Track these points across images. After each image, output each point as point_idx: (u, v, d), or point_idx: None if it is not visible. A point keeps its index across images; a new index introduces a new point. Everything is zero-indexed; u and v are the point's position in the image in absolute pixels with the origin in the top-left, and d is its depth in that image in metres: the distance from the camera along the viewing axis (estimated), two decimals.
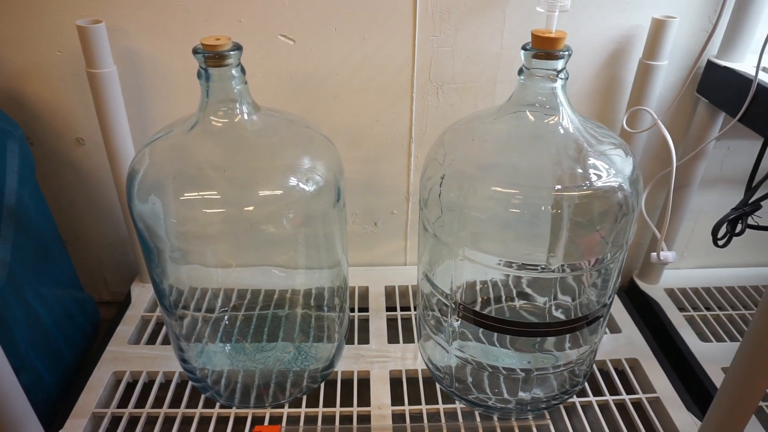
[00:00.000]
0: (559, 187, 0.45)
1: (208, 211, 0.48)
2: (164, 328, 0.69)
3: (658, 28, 0.62)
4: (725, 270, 0.83)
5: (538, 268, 0.48)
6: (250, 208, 0.48)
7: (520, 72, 0.47)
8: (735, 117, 0.60)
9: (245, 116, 0.49)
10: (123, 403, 0.59)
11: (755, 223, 0.57)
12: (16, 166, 0.59)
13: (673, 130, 0.71)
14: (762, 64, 0.58)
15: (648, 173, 0.73)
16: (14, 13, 0.61)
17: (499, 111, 0.50)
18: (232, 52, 0.45)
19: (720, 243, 0.58)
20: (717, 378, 0.64)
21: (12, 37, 0.62)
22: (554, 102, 0.47)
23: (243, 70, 0.48)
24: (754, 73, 0.58)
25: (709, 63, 0.65)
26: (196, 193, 0.48)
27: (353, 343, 0.67)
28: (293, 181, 0.49)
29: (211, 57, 0.45)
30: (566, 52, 0.45)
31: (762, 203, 0.56)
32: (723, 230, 0.58)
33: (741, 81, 0.60)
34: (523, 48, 0.46)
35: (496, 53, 0.65)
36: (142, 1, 0.61)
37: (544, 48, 0.45)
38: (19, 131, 0.61)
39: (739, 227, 0.57)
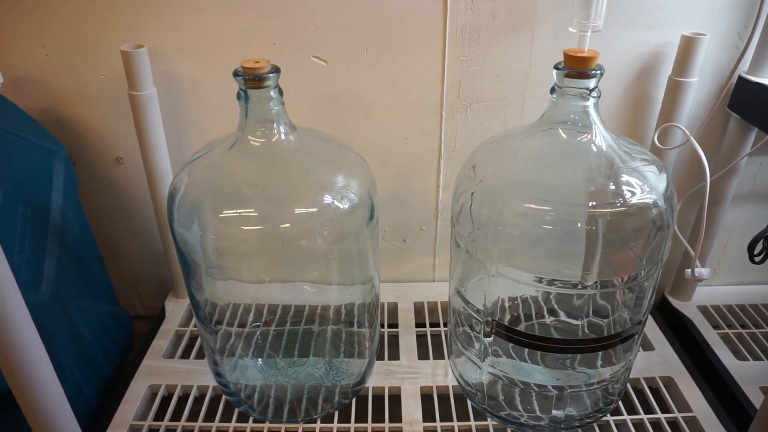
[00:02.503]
0: (593, 203, 0.45)
1: (245, 228, 0.50)
2: (198, 343, 0.70)
3: (688, 45, 0.62)
4: (759, 287, 0.82)
5: (571, 284, 0.48)
6: (286, 225, 0.49)
7: (552, 90, 0.48)
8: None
9: (282, 136, 0.50)
10: (159, 416, 0.61)
11: None
12: (61, 185, 0.62)
13: (704, 146, 0.70)
14: None
15: (679, 189, 0.72)
16: (61, 40, 0.64)
17: (532, 129, 0.51)
18: (270, 75, 0.47)
19: (757, 260, 0.57)
20: (755, 397, 0.62)
21: (58, 62, 0.65)
22: (586, 120, 0.48)
23: (280, 92, 0.49)
24: None
25: (741, 79, 0.65)
26: (235, 211, 0.50)
27: (383, 359, 0.67)
28: (328, 198, 0.50)
29: (251, 79, 0.47)
30: (598, 71, 0.46)
31: None
32: (759, 246, 0.57)
33: None
34: (556, 67, 0.46)
35: (525, 72, 0.66)
36: (179, 25, 0.63)
37: (577, 67, 0.45)
38: (64, 151, 0.64)
39: None
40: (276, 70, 0.48)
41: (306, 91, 0.67)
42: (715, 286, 0.82)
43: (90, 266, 0.69)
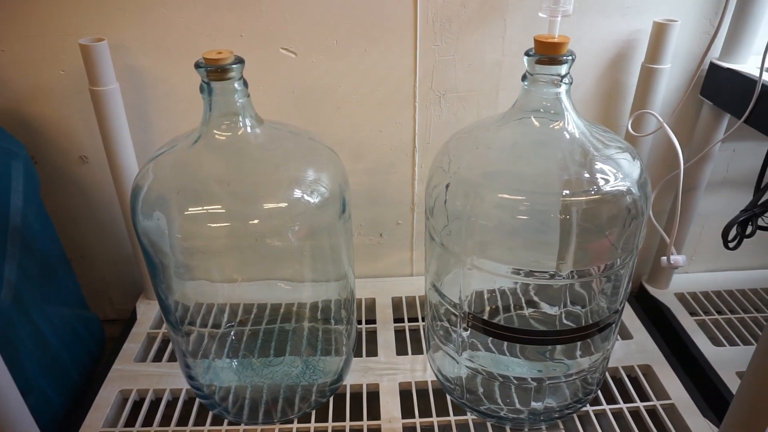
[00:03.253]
0: (567, 192, 0.45)
1: (212, 225, 0.48)
2: (170, 345, 0.68)
3: (660, 32, 0.62)
4: (735, 273, 0.83)
5: (548, 275, 0.47)
6: (255, 222, 0.48)
7: (524, 78, 0.47)
8: (740, 118, 0.60)
9: (248, 129, 0.49)
10: (130, 421, 0.59)
11: (765, 224, 0.56)
12: (21, 186, 0.59)
13: (677, 133, 0.70)
14: (766, 65, 0.58)
15: (654, 177, 0.72)
16: (17, 34, 0.61)
17: (504, 118, 0.50)
18: (234, 66, 0.45)
19: (731, 245, 0.57)
20: (732, 382, 0.63)
21: (15, 58, 0.63)
22: (559, 107, 0.47)
23: (245, 84, 0.47)
24: (758, 74, 0.57)
25: (712, 65, 0.65)
26: (201, 208, 0.48)
27: (361, 356, 0.66)
28: (298, 193, 0.49)
29: (214, 71, 0.45)
30: (570, 57, 0.45)
31: None
32: (733, 232, 0.57)
33: (745, 82, 0.60)
34: (527, 54, 0.45)
35: (498, 61, 0.65)
36: (143, 18, 0.61)
37: (548, 53, 0.44)
38: (24, 151, 0.61)
39: (749, 229, 0.56)
40: (240, 60, 0.46)
41: (275, 84, 0.65)
42: (691, 273, 0.83)
43: (55, 269, 0.66)
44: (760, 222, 0.56)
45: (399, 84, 0.66)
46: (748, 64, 0.63)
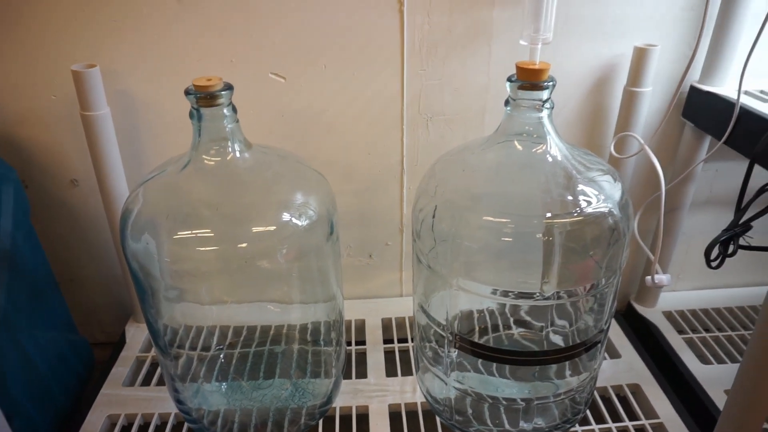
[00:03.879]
0: (550, 214, 0.46)
1: (201, 249, 0.48)
2: (159, 369, 0.68)
3: (640, 56, 0.63)
4: (723, 291, 0.83)
5: (532, 295, 0.48)
6: (244, 245, 0.48)
7: (507, 103, 0.48)
8: (720, 140, 0.61)
9: (237, 154, 0.50)
10: None
11: (747, 244, 0.57)
12: (11, 210, 0.60)
13: (661, 154, 0.72)
14: (743, 88, 0.60)
15: (639, 197, 0.73)
16: (9, 60, 0.62)
17: (488, 141, 0.51)
18: (223, 92, 0.46)
19: (713, 264, 0.58)
20: (720, 401, 0.63)
21: (7, 83, 0.63)
22: (541, 131, 0.48)
23: (234, 109, 0.48)
24: (736, 97, 0.59)
25: (692, 88, 0.67)
26: (190, 232, 0.49)
27: (351, 378, 0.66)
28: (286, 216, 0.49)
29: (203, 97, 0.46)
30: (550, 83, 0.46)
31: (752, 223, 0.56)
32: (716, 251, 0.58)
33: (724, 104, 0.61)
34: (509, 80, 0.47)
35: (484, 85, 0.66)
36: (134, 44, 0.62)
37: (529, 79, 0.46)
38: (14, 174, 0.62)
39: (731, 248, 0.57)
40: (228, 87, 0.47)
41: (265, 108, 0.66)
42: (679, 292, 0.84)
43: (44, 293, 0.66)
44: (741, 241, 0.57)
45: (387, 107, 0.67)
46: (726, 86, 0.65)
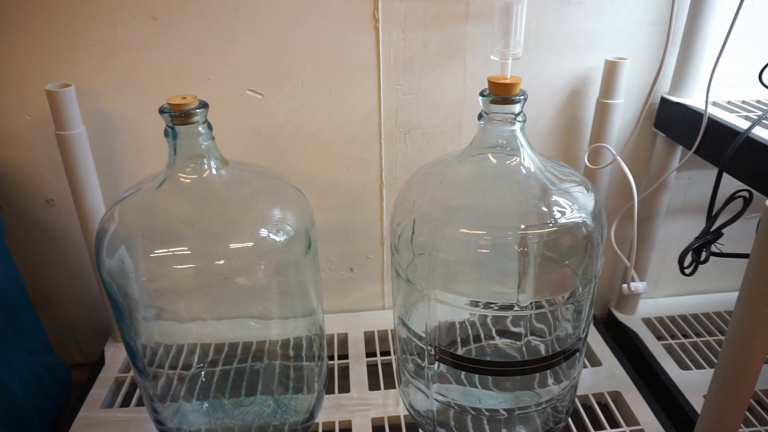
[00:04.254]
0: (524, 226, 0.46)
1: (178, 267, 0.48)
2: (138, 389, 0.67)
3: (612, 69, 0.65)
4: (700, 296, 0.85)
5: (510, 306, 0.48)
6: (221, 262, 0.48)
7: (480, 117, 0.49)
8: (691, 149, 0.63)
9: (213, 171, 0.50)
10: None
11: (719, 251, 0.58)
12: None
13: (635, 163, 0.74)
14: (711, 99, 0.61)
15: (615, 206, 0.75)
16: None
17: (463, 154, 0.52)
18: (197, 110, 0.46)
19: (687, 272, 0.59)
20: (699, 405, 0.64)
21: None
22: (515, 144, 0.49)
23: (210, 127, 0.48)
24: (704, 108, 0.61)
25: (663, 99, 0.68)
26: (166, 250, 0.48)
27: (334, 393, 0.66)
28: (264, 232, 0.49)
29: (178, 116, 0.46)
30: (522, 97, 0.47)
31: (723, 231, 0.58)
32: (689, 259, 0.59)
33: (693, 115, 0.63)
34: (481, 94, 0.47)
35: (460, 98, 0.67)
36: (110, 63, 0.62)
37: (501, 93, 0.46)
38: None
39: (703, 255, 0.58)
40: (203, 105, 0.47)
41: (243, 125, 0.66)
42: (657, 298, 0.85)
43: (19, 315, 0.65)
44: (713, 248, 0.58)
45: (365, 122, 0.67)
46: (695, 97, 0.66)
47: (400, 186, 0.71)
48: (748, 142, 0.55)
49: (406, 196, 0.52)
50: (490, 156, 0.49)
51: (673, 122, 0.67)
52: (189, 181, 0.49)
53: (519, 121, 0.48)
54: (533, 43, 0.66)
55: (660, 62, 0.62)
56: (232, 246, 0.49)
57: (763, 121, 0.57)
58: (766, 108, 0.63)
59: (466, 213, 0.49)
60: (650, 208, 0.74)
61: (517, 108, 0.47)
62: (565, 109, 0.70)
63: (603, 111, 0.67)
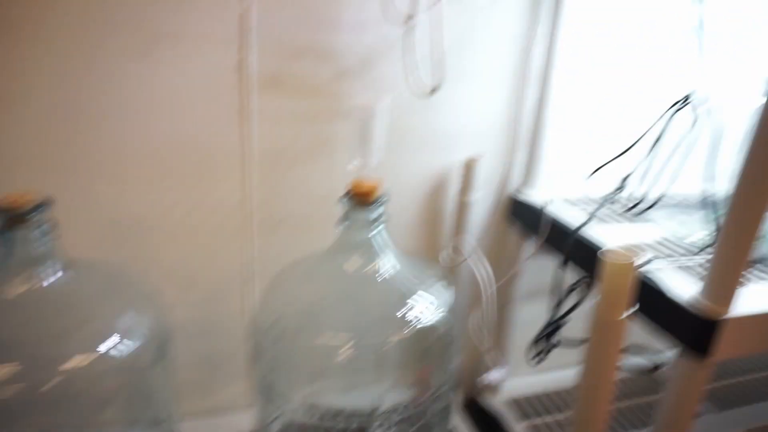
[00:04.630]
0: (384, 331, 0.47)
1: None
2: None
3: (468, 167, 0.70)
4: (563, 372, 0.89)
5: (371, 410, 0.48)
6: (53, 383, 0.43)
7: (342, 219, 0.50)
8: (539, 240, 0.69)
9: (53, 277, 0.45)
10: None
11: (559, 340, 0.63)
12: None
13: (493, 251, 0.79)
14: (555, 194, 0.68)
15: (477, 295, 0.79)
16: None
17: (327, 255, 0.52)
18: (33, 212, 0.43)
19: (535, 362, 0.63)
20: None
21: None
22: (375, 247, 0.50)
23: (51, 227, 0.45)
24: (547, 203, 0.67)
25: (515, 194, 0.75)
26: None
27: None
28: (105, 346, 0.45)
29: (11, 219, 0.42)
30: (381, 201, 0.49)
31: (568, 317, 0.63)
32: (537, 348, 0.63)
33: (539, 210, 0.70)
34: (341, 199, 0.49)
35: (329, 192, 0.68)
36: None
37: (360, 199, 0.48)
38: None
39: (551, 341, 0.63)
40: (40, 205, 0.43)
41: (96, 217, 0.62)
42: (521, 377, 0.89)
43: None
44: (558, 337, 0.63)
45: (231, 214, 0.66)
46: (540, 193, 0.74)
47: (266, 279, 0.70)
48: (583, 235, 0.61)
49: (269, 297, 0.52)
50: (351, 259, 0.50)
51: (523, 215, 0.74)
52: (22, 290, 0.44)
53: (379, 225, 0.50)
54: (400, 139, 0.69)
55: (509, 160, 0.68)
56: (72, 360, 0.44)
57: (596, 216, 0.65)
58: (598, 204, 0.71)
59: (327, 318, 0.49)
60: (508, 293, 0.79)
61: (376, 212, 0.49)
62: (428, 202, 0.74)
63: (461, 205, 0.72)
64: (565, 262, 0.62)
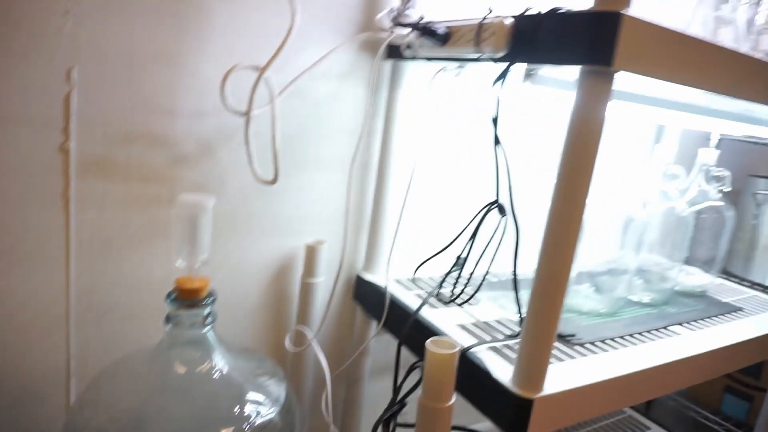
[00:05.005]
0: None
1: None
2: None
3: (311, 251, 0.72)
4: None
5: None
6: None
7: (168, 320, 0.48)
8: (380, 322, 0.71)
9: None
10: None
11: (404, 422, 0.65)
12: None
13: (339, 331, 0.80)
14: (394, 277, 0.72)
15: (322, 378, 0.79)
16: None
17: (152, 355, 0.49)
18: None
19: None
20: None
21: None
22: (205, 345, 0.49)
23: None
24: (386, 285, 0.70)
25: (358, 277, 0.78)
26: None
27: None
28: None
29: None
30: (210, 299, 0.48)
31: (407, 400, 0.65)
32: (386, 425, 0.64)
33: (380, 292, 0.72)
34: (167, 297, 0.47)
35: (164, 280, 0.65)
36: None
37: (188, 298, 0.47)
38: None
39: (393, 422, 0.64)
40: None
41: None
42: None
43: None
44: (399, 419, 0.64)
45: (50, 305, 0.60)
46: (381, 275, 0.77)
47: (90, 376, 0.64)
48: (417, 319, 0.65)
49: (90, 397, 0.47)
50: (180, 358, 0.48)
51: (366, 297, 0.76)
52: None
53: (208, 324, 0.48)
54: (243, 224, 0.69)
55: (345, 244, 0.71)
56: None
57: (428, 302, 0.69)
58: (431, 290, 0.75)
59: (154, 423, 0.46)
60: (356, 371, 0.80)
61: (205, 310, 0.48)
62: (273, 285, 0.74)
63: (306, 289, 0.72)
64: (400, 346, 0.65)
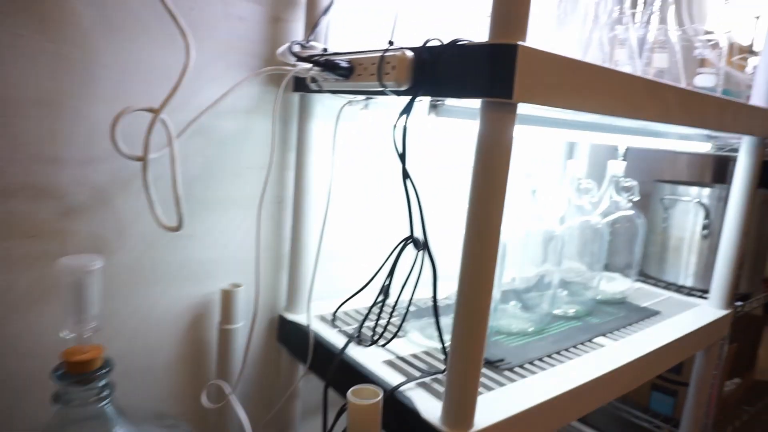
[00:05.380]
0: None
1: None
2: None
3: (227, 296, 0.67)
4: None
5: None
6: None
7: (56, 399, 0.42)
8: (306, 364, 0.68)
9: None
10: None
11: None
12: None
13: (266, 377, 0.76)
14: (318, 313, 0.68)
15: (255, 419, 0.74)
16: None
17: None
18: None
19: None
20: None
21: None
22: (103, 420, 0.44)
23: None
24: (309, 324, 0.67)
25: (281, 317, 0.74)
26: None
27: None
28: None
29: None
30: (106, 369, 0.43)
31: None
32: None
33: (303, 331, 0.69)
34: (53, 374, 0.42)
35: (59, 345, 0.59)
36: None
37: (78, 372, 0.42)
38: None
39: None
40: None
41: None
42: None
43: None
44: None
45: None
46: (303, 314, 0.74)
47: None
48: (344, 360, 0.62)
49: None
50: None
51: (291, 338, 0.73)
52: None
53: (105, 396, 0.43)
54: (150, 273, 0.64)
55: (273, 284, 0.67)
56: None
57: (356, 337, 0.66)
58: (359, 322, 0.73)
59: None
60: (286, 416, 0.76)
61: (100, 383, 0.43)
62: (190, 334, 0.69)
63: (224, 335, 0.68)
64: (326, 388, 0.62)
